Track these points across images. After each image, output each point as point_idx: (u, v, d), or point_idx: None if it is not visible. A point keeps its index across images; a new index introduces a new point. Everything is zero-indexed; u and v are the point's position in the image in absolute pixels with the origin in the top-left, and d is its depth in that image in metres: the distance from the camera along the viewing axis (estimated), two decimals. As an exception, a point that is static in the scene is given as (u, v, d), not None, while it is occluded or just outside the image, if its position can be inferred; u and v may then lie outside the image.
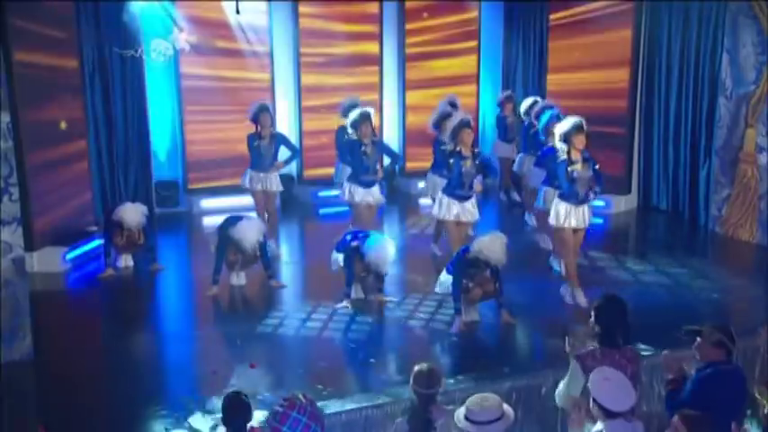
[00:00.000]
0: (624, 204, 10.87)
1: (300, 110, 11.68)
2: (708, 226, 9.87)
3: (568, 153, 7.07)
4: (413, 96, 12.29)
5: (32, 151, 8.08)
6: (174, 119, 11.06)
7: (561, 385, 4.55)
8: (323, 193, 11.07)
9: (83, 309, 7.69)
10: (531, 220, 9.67)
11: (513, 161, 10.21)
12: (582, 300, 7.10)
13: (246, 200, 9.24)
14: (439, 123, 8.71)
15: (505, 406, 3.98)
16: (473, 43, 12.57)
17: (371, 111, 8.59)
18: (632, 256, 9.07)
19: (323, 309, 7.20)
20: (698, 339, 4.40)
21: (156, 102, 10.81)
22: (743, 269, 8.43)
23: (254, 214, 8.60)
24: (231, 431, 3.96)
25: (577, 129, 7.05)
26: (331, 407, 5.18)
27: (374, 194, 8.33)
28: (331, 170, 10.29)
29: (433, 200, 8.44)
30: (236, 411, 3.95)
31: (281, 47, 11.50)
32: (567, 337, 4.63)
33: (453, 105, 9.06)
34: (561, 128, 7.18)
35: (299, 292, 8.09)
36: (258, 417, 4.25)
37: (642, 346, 5.77)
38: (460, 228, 7.80)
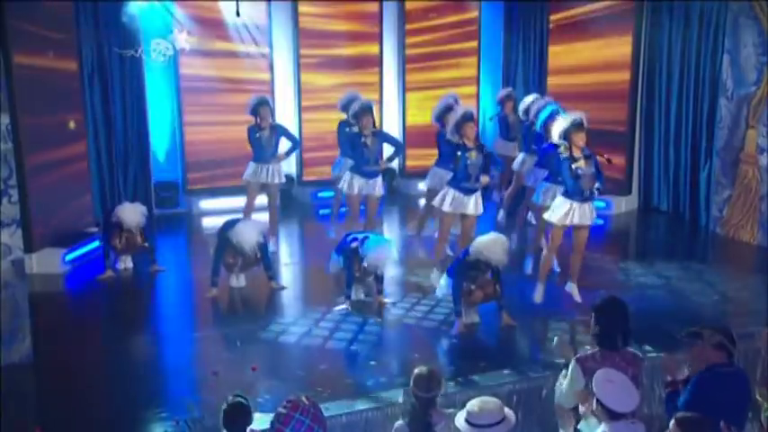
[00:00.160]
0: (625, 205, 10.86)
1: (300, 110, 11.67)
2: (709, 227, 9.86)
3: (570, 150, 7.03)
4: (413, 97, 12.29)
5: (32, 153, 8.07)
6: (173, 119, 11.04)
7: (561, 387, 4.55)
8: (322, 194, 11.07)
9: (82, 310, 7.68)
10: (501, 218, 9.76)
11: (514, 159, 10.17)
12: (577, 295, 7.21)
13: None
14: (441, 116, 8.65)
15: (506, 409, 3.97)
16: (473, 44, 12.55)
17: (372, 103, 8.58)
18: (633, 257, 9.06)
19: (323, 310, 7.19)
20: (698, 341, 4.39)
21: (155, 102, 10.81)
22: (744, 270, 8.40)
23: (254, 216, 8.59)
24: (231, 434, 3.95)
25: (577, 126, 7.01)
26: (331, 409, 5.16)
27: (375, 186, 8.32)
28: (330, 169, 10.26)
29: (432, 193, 8.44)
30: (236, 415, 3.94)
31: (281, 47, 11.50)
32: (555, 339, 4.63)
33: (455, 101, 9.03)
34: (560, 125, 7.12)
35: (299, 293, 8.08)
36: (258, 419, 4.23)
37: (643, 348, 5.74)
38: (466, 221, 7.70)
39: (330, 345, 6.49)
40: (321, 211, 10.82)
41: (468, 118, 7.54)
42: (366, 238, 7.17)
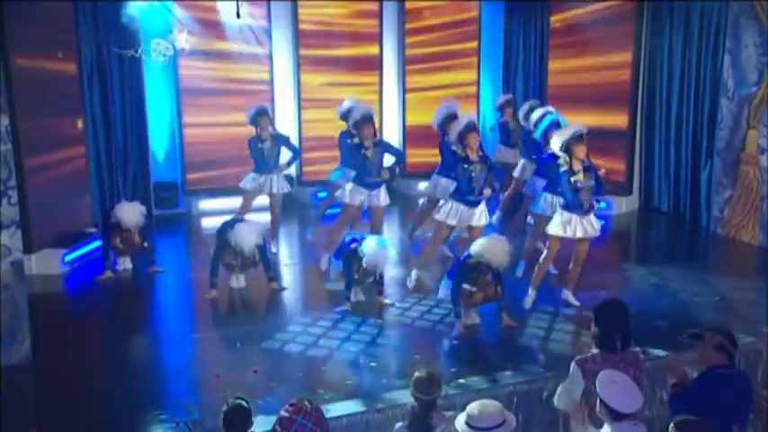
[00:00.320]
0: (625, 206, 10.86)
1: (300, 110, 11.66)
2: (709, 228, 9.85)
3: (570, 163, 6.95)
4: (413, 97, 12.28)
5: (31, 154, 8.06)
6: (172, 119, 11.04)
7: (561, 389, 4.53)
8: (322, 194, 11.04)
9: (82, 311, 7.67)
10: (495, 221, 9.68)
11: (515, 166, 10.14)
12: (573, 300, 7.23)
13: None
14: (444, 125, 8.57)
15: (506, 412, 3.95)
16: (473, 44, 12.55)
17: (373, 111, 8.55)
18: (633, 258, 9.05)
19: (323, 312, 7.17)
20: (699, 343, 4.38)
21: (154, 102, 10.80)
22: (745, 271, 8.40)
23: (253, 216, 8.57)
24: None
25: (578, 138, 6.92)
26: (332, 411, 5.15)
27: (379, 196, 8.26)
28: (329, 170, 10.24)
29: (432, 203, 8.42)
30: (236, 417, 3.92)
31: (281, 47, 11.49)
32: None
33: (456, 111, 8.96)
34: (561, 137, 7.03)
35: (299, 294, 8.07)
36: (259, 422, 4.22)
37: (642, 350, 5.72)
38: (473, 232, 7.58)
39: (330, 346, 6.47)
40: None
41: (471, 128, 7.49)
42: (365, 238, 7.16)
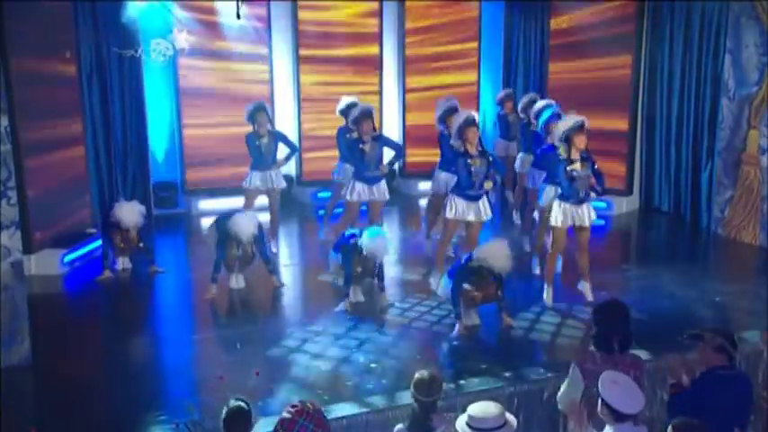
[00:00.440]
0: (626, 206, 10.85)
1: (300, 110, 11.65)
2: (710, 228, 9.83)
3: (568, 152, 7.01)
4: (413, 97, 12.27)
5: (31, 154, 8.05)
6: (172, 119, 11.03)
7: (562, 389, 4.53)
8: (322, 194, 11.04)
9: (81, 312, 7.66)
10: (517, 219, 9.82)
11: (515, 159, 10.14)
12: (590, 293, 7.26)
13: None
14: (444, 118, 8.59)
15: (507, 414, 3.94)
16: (473, 44, 12.53)
17: (372, 107, 8.56)
18: (634, 258, 9.03)
19: (323, 312, 7.17)
20: (699, 344, 4.38)
21: (154, 102, 10.79)
22: (745, 272, 8.40)
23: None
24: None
25: (578, 128, 7.01)
26: (332, 412, 5.14)
27: (379, 191, 8.29)
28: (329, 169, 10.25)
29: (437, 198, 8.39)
30: (236, 419, 3.91)
31: (281, 47, 11.48)
32: None
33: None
34: (562, 127, 7.12)
35: (299, 294, 8.07)
36: (259, 423, 4.21)
37: (642, 351, 5.72)
38: (471, 227, 7.63)
39: (330, 347, 6.46)
40: (320, 212, 10.79)
41: (470, 122, 7.48)
42: (363, 231, 7.15)
